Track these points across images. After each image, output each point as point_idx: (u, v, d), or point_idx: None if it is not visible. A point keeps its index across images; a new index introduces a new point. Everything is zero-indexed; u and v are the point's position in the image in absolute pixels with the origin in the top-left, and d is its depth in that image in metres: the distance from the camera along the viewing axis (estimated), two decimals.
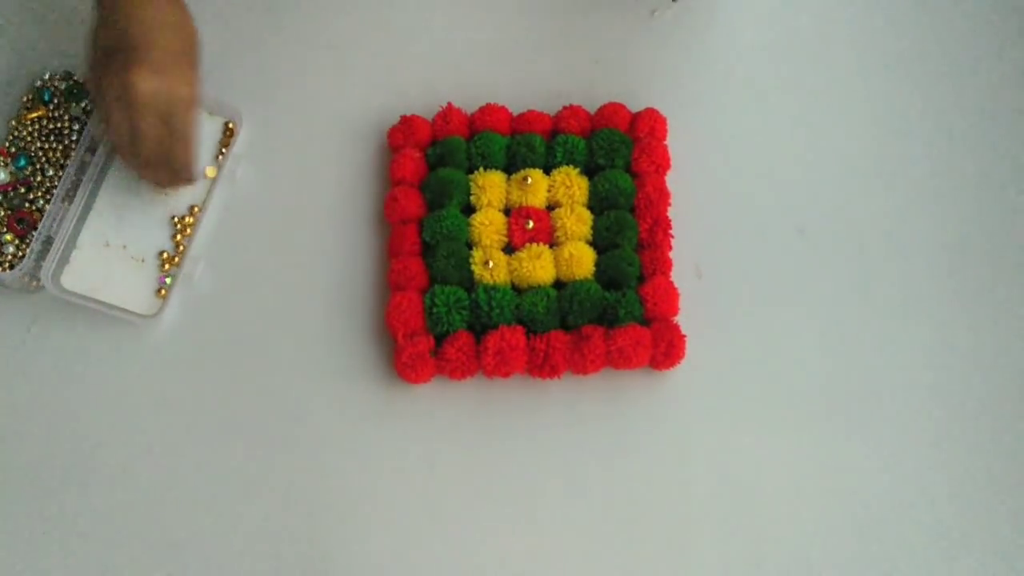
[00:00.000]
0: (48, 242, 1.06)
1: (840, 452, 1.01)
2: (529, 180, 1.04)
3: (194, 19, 0.99)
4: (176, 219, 1.09)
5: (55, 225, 1.06)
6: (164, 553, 0.99)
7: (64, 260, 1.07)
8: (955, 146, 1.12)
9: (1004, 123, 1.13)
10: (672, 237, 1.04)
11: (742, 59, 1.16)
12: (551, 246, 1.04)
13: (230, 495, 1.01)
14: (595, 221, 1.05)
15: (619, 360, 0.99)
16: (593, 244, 1.04)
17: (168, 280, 1.07)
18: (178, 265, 1.07)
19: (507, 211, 1.06)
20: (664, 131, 1.08)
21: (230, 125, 1.12)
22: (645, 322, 1.01)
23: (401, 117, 1.08)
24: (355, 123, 1.02)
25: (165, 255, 1.08)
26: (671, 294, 1.01)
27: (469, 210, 1.06)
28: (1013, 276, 1.07)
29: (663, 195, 1.05)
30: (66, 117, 1.11)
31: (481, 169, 1.06)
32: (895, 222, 1.09)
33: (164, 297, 1.06)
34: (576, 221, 1.03)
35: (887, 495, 1.00)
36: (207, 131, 1.12)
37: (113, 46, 0.95)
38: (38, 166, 1.09)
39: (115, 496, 1.01)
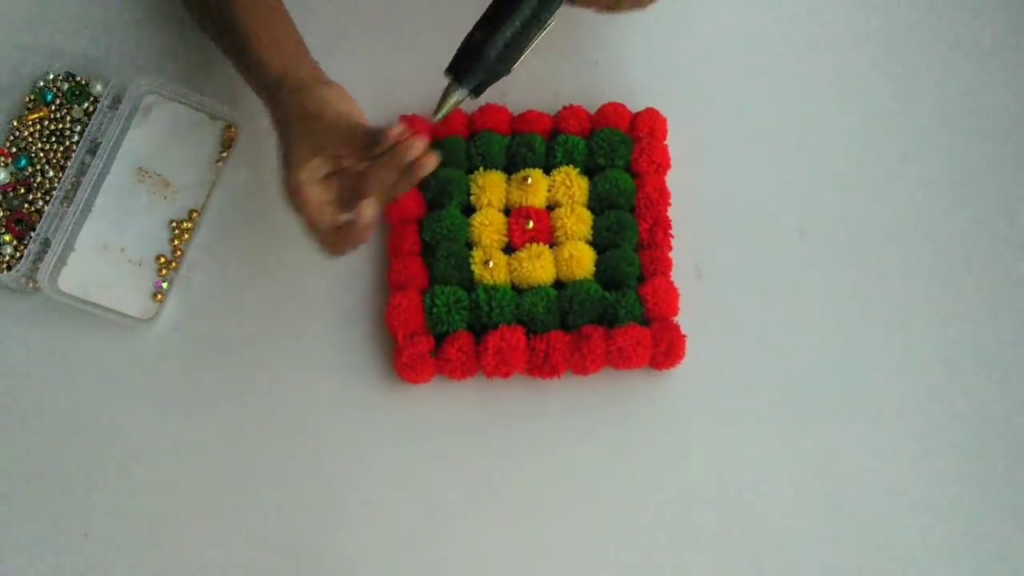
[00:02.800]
0: (46, 243, 1.08)
1: (840, 452, 1.03)
2: (529, 180, 1.07)
3: None
4: (174, 223, 1.12)
5: (53, 227, 1.09)
6: (163, 553, 1.02)
7: (61, 262, 1.09)
8: (957, 147, 1.14)
9: (1006, 124, 1.15)
10: (672, 237, 1.07)
11: (742, 59, 1.18)
12: (551, 246, 1.06)
13: (230, 496, 1.03)
14: (595, 221, 1.07)
15: (619, 360, 1.02)
16: (593, 244, 1.07)
17: (165, 284, 1.09)
18: (175, 269, 1.10)
19: (507, 211, 1.08)
20: (664, 131, 1.11)
21: (231, 129, 1.15)
22: (645, 322, 1.03)
23: (401, 117, 1.10)
24: None
25: (163, 259, 1.10)
26: (671, 294, 1.04)
27: (469, 210, 1.09)
28: (1014, 276, 1.09)
29: (663, 195, 1.08)
30: (68, 118, 1.14)
31: (481, 169, 1.09)
32: (895, 223, 1.11)
33: (160, 301, 1.09)
34: (576, 221, 1.06)
35: (887, 495, 1.02)
36: (207, 136, 1.15)
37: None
38: (38, 167, 1.12)
39: (113, 497, 1.04)
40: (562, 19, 1.17)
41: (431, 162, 0.91)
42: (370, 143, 0.90)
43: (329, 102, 0.95)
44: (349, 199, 0.94)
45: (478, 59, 0.89)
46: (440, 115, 0.91)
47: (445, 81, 0.92)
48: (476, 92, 0.91)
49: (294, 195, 0.94)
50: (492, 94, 1.09)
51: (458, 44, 0.91)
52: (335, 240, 0.94)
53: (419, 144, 0.90)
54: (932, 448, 1.03)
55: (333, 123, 0.93)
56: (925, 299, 1.08)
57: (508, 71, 0.92)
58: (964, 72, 1.18)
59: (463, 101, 0.91)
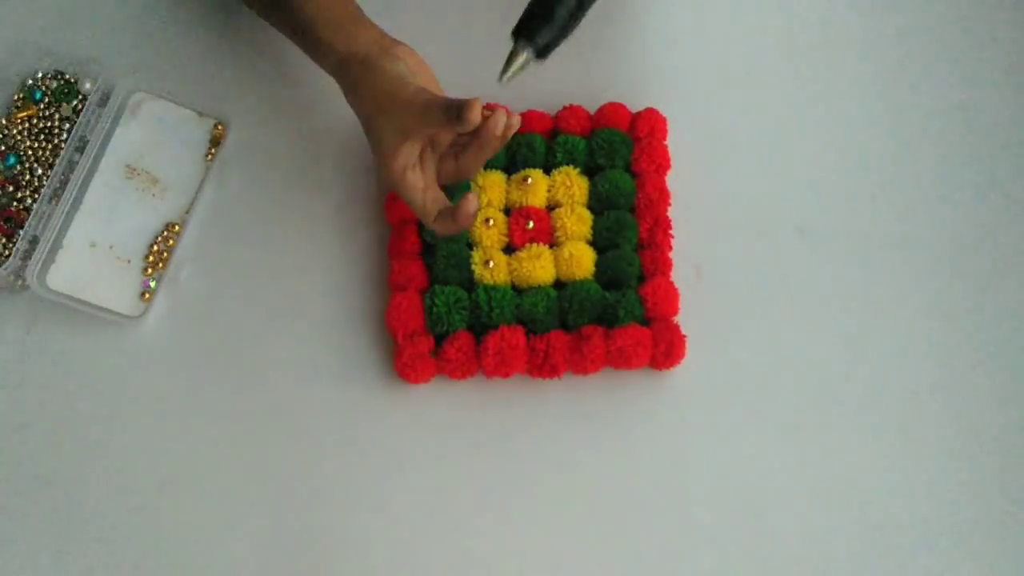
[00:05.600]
0: (35, 241, 1.09)
1: (840, 452, 1.05)
2: (529, 180, 1.09)
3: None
4: (163, 220, 1.13)
5: (42, 224, 1.10)
6: (160, 553, 1.03)
7: (50, 260, 1.10)
8: (956, 145, 1.16)
9: (1005, 121, 1.17)
10: (672, 237, 1.08)
11: (742, 59, 1.20)
12: (551, 246, 1.08)
13: (228, 496, 1.04)
14: (595, 221, 1.09)
15: (619, 360, 1.03)
16: (593, 244, 1.08)
17: (152, 283, 1.10)
18: (164, 267, 1.11)
19: (507, 211, 1.10)
20: (664, 131, 1.12)
21: (219, 126, 1.16)
22: (645, 322, 1.05)
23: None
24: (354, 122, 1.05)
25: (151, 256, 1.11)
26: (671, 294, 1.05)
27: None
28: (1014, 275, 1.11)
29: (663, 195, 1.09)
30: (56, 116, 1.15)
31: (481, 169, 1.09)
32: (895, 222, 1.13)
33: (149, 299, 1.10)
34: (576, 221, 1.08)
35: (888, 495, 1.04)
36: (196, 133, 1.16)
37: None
38: (27, 165, 1.13)
39: (104, 498, 1.04)
40: None
41: (516, 125, 0.95)
42: (452, 118, 0.91)
43: (399, 76, 0.97)
44: (446, 176, 1.00)
45: (549, 18, 0.91)
46: (507, 77, 0.92)
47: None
48: (542, 54, 0.93)
49: (399, 185, 0.98)
50: (492, 94, 1.11)
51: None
52: (444, 224, 0.98)
53: (502, 118, 0.93)
54: (933, 447, 1.05)
55: (410, 100, 0.95)
56: (925, 298, 1.10)
57: (570, 33, 0.94)
58: (963, 72, 1.20)
59: (528, 64, 0.93)
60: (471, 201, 0.96)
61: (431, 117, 0.93)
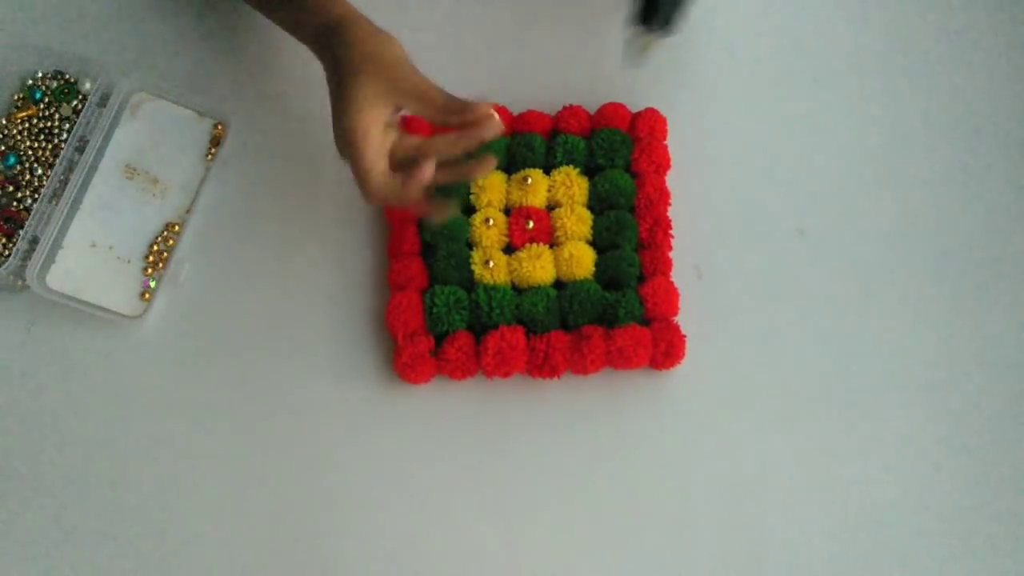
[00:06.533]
0: (35, 241, 1.09)
1: (839, 452, 1.05)
2: (529, 180, 1.09)
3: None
4: (163, 220, 1.13)
5: (42, 224, 1.10)
6: (159, 553, 1.03)
7: (50, 260, 1.10)
8: (955, 146, 1.17)
9: (1004, 124, 1.18)
10: (672, 237, 1.09)
11: (742, 59, 1.20)
12: (551, 246, 1.08)
13: (228, 496, 1.05)
14: (595, 221, 1.09)
15: (619, 360, 1.04)
16: (593, 244, 1.09)
17: (152, 283, 1.11)
18: (164, 267, 1.11)
19: (507, 211, 1.10)
20: (664, 131, 1.13)
21: (219, 126, 1.16)
22: (645, 322, 1.05)
23: (401, 117, 1.10)
24: None
25: (151, 256, 1.12)
26: (671, 294, 1.06)
27: (469, 210, 1.10)
28: (1012, 276, 1.12)
29: (663, 195, 1.10)
30: (56, 116, 1.15)
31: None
32: (895, 222, 1.13)
33: (148, 300, 1.10)
34: (576, 221, 1.08)
35: (887, 494, 1.04)
36: (196, 133, 1.16)
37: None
38: (27, 165, 1.13)
39: (107, 498, 1.05)
40: (563, 19, 1.20)
41: (497, 127, 0.94)
42: (451, 110, 0.91)
43: (397, 54, 0.98)
44: (403, 158, 0.97)
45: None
46: (638, 60, 0.96)
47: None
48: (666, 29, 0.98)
49: (357, 135, 0.95)
50: (492, 94, 1.12)
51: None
52: (384, 190, 0.95)
53: (498, 123, 0.93)
54: (932, 446, 1.06)
55: (405, 75, 0.95)
56: (924, 298, 1.11)
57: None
58: (962, 72, 1.20)
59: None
60: (425, 168, 0.94)
61: (428, 100, 0.94)
